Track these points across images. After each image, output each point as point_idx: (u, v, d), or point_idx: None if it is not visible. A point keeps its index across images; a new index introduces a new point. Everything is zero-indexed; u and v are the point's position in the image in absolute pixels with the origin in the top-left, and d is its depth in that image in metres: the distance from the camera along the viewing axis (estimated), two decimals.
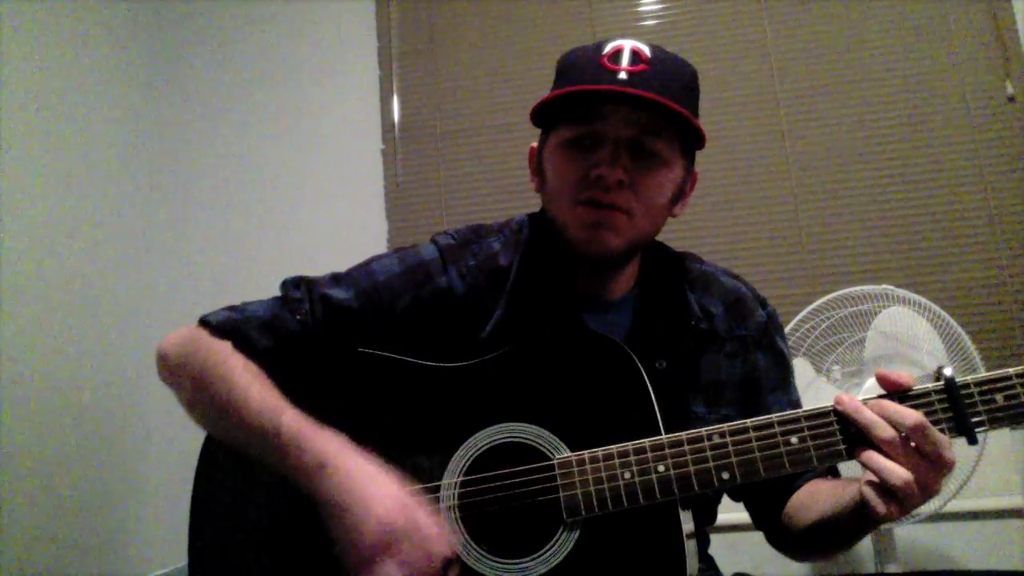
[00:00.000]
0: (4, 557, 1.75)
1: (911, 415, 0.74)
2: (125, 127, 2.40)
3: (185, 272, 2.47)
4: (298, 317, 0.94)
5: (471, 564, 0.82)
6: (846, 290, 1.80)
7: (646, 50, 0.90)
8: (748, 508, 1.07)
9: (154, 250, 2.46)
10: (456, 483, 0.86)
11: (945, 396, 0.76)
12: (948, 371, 0.77)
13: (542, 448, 0.84)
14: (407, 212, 2.43)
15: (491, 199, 2.38)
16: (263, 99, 2.56)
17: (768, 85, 2.30)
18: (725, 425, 0.81)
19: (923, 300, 1.72)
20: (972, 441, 0.76)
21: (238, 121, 2.56)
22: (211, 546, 0.92)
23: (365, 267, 0.99)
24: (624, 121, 0.89)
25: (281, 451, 0.80)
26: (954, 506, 1.67)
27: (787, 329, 1.75)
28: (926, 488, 0.74)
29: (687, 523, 0.81)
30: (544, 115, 0.95)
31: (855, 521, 0.82)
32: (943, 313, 1.71)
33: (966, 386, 0.76)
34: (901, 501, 0.74)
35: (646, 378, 0.84)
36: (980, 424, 0.76)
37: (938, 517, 1.74)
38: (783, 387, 1.05)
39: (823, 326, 1.79)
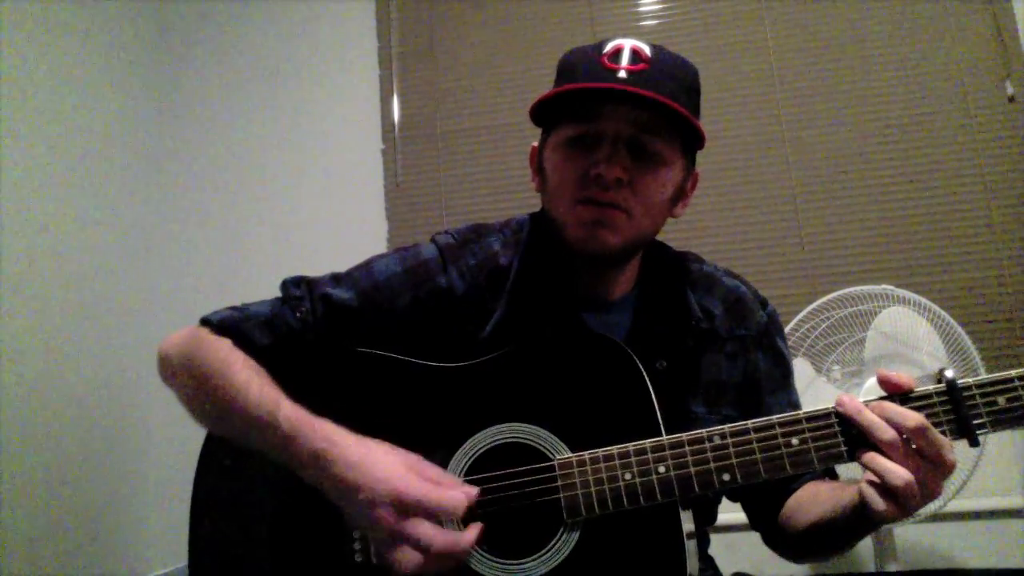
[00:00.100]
0: (5, 557, 1.75)
1: (912, 417, 0.74)
2: (125, 127, 2.40)
3: (185, 272, 2.47)
4: (298, 315, 0.94)
5: (471, 564, 0.82)
6: (846, 290, 1.80)
7: (646, 49, 0.90)
8: (745, 508, 1.07)
9: (154, 250, 2.46)
10: None
11: (947, 398, 0.76)
12: (950, 373, 0.77)
13: (542, 448, 0.84)
14: (407, 212, 2.43)
15: (491, 199, 2.38)
16: (263, 99, 2.56)
17: (768, 85, 2.30)
18: (726, 426, 0.80)
19: (923, 300, 1.73)
20: (974, 443, 0.76)
21: (238, 121, 2.56)
22: (211, 546, 0.92)
23: (365, 267, 0.99)
24: (624, 120, 0.88)
25: (281, 444, 0.79)
26: (954, 506, 1.67)
27: (787, 329, 1.75)
28: (927, 490, 0.74)
29: (687, 523, 0.80)
30: (545, 114, 0.95)
31: (855, 522, 0.82)
32: (943, 313, 1.71)
33: (968, 388, 0.76)
34: (902, 502, 0.74)
35: (646, 378, 0.84)
36: (982, 426, 0.75)
37: (938, 517, 1.74)
38: (783, 388, 1.05)
39: (823, 326, 1.79)
